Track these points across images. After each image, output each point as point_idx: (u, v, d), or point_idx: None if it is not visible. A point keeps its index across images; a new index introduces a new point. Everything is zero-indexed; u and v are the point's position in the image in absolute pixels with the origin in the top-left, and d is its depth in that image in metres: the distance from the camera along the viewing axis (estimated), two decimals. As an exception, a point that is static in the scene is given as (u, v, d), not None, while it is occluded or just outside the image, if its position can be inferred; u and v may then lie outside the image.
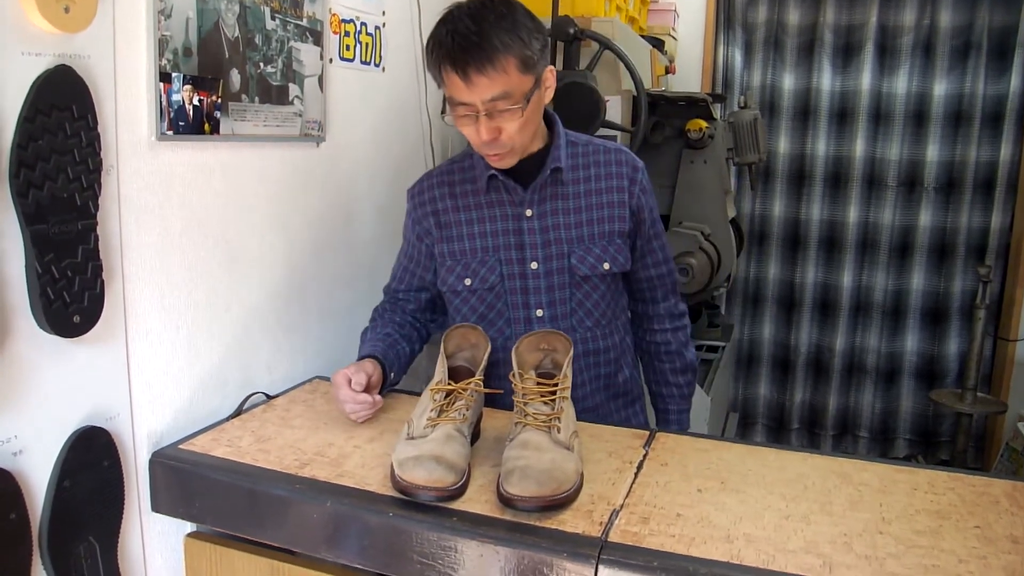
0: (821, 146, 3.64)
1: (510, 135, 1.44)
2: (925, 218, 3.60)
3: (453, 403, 1.28)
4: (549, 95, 1.51)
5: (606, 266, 1.59)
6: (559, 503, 1.14)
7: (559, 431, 1.22)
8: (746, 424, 3.96)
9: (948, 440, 3.73)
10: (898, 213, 3.64)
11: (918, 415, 3.78)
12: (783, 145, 3.68)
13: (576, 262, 1.58)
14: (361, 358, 1.54)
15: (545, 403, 1.26)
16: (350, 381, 1.43)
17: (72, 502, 1.20)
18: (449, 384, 1.30)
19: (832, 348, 3.78)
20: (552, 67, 1.48)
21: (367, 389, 1.45)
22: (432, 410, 1.26)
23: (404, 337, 1.65)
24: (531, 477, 1.12)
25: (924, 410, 3.76)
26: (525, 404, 1.26)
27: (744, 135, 2.74)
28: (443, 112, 1.47)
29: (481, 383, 1.33)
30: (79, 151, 1.15)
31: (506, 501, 1.14)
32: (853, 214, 3.65)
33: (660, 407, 1.80)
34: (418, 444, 1.20)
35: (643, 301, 1.75)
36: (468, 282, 1.61)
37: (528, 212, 1.58)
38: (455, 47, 1.35)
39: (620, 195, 1.60)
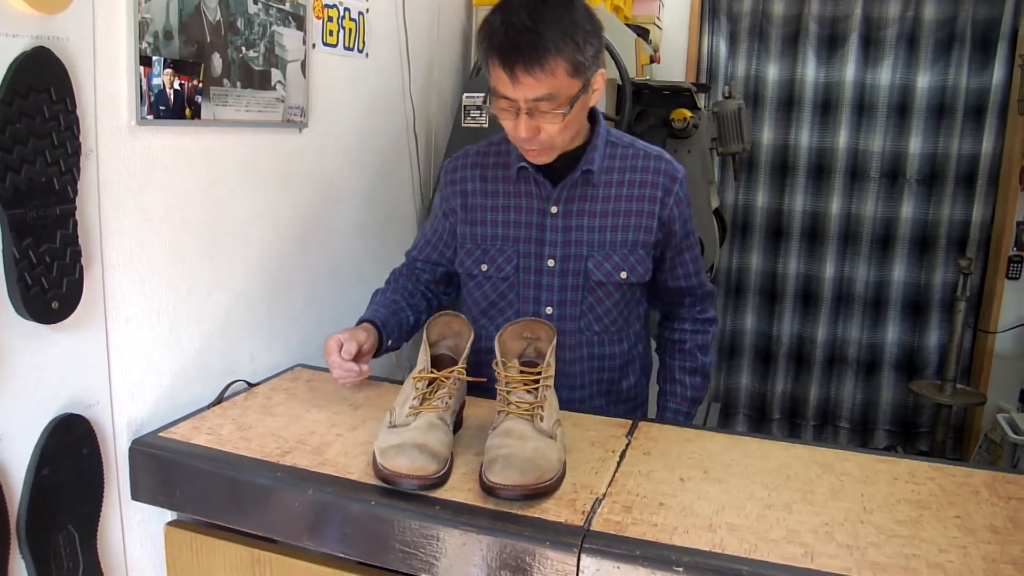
0: (804, 137, 3.64)
1: (550, 135, 1.43)
2: (907, 210, 3.62)
3: (436, 391, 1.27)
4: (596, 98, 1.48)
5: (623, 275, 1.58)
6: (542, 492, 1.14)
7: (542, 420, 1.22)
8: (727, 414, 3.98)
9: (927, 431, 3.76)
10: (880, 205, 3.65)
11: (898, 406, 3.80)
12: (767, 136, 3.68)
13: (592, 267, 1.57)
14: (360, 321, 1.54)
15: (528, 391, 1.26)
16: (341, 347, 1.42)
17: (51, 491, 1.19)
18: (432, 372, 1.29)
19: (814, 339, 3.80)
20: (603, 70, 1.44)
21: (358, 357, 1.44)
22: (414, 398, 1.25)
23: (411, 306, 1.65)
24: (514, 465, 1.12)
25: (904, 401, 3.78)
26: (508, 392, 1.25)
27: (728, 125, 2.74)
28: (485, 101, 1.45)
29: (464, 371, 1.33)
30: (57, 134, 1.14)
31: (488, 489, 1.13)
32: (836, 205, 3.66)
33: (660, 404, 1.76)
34: (400, 432, 1.20)
35: (670, 304, 1.75)
36: (484, 268, 1.61)
37: (553, 209, 1.56)
38: (506, 41, 1.32)
39: (651, 205, 1.56)
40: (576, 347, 1.62)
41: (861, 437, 3.83)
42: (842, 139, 3.59)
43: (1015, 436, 3.05)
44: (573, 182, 1.55)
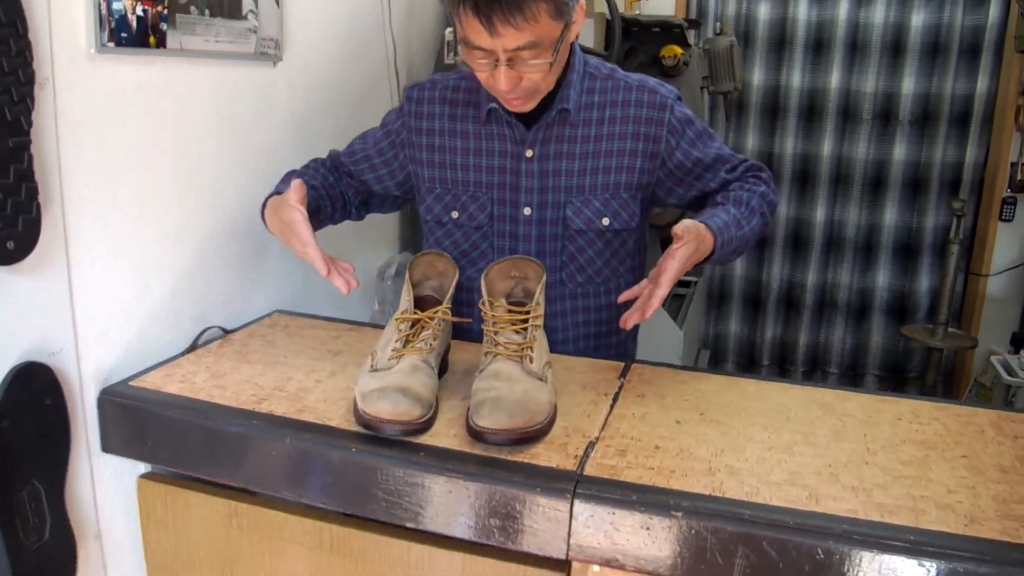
0: (796, 78, 3.57)
1: (533, 82, 1.32)
2: (899, 152, 3.56)
3: (419, 333, 1.21)
4: (576, 30, 1.35)
5: (605, 221, 1.47)
6: (532, 436, 1.09)
7: (531, 361, 1.16)
8: (717, 361, 3.95)
9: (917, 376, 3.75)
10: (872, 147, 3.59)
11: (888, 351, 3.78)
12: (757, 76, 3.60)
13: (572, 214, 1.47)
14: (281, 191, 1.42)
15: (517, 332, 1.20)
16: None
17: (12, 443, 1.12)
18: (415, 313, 1.23)
19: (804, 284, 3.76)
20: (583, 1, 1.32)
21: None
22: (397, 340, 1.19)
23: (330, 198, 1.54)
24: (502, 409, 1.07)
25: (894, 346, 3.76)
26: (496, 333, 1.19)
27: (720, 63, 2.66)
28: (455, 53, 1.34)
29: (449, 311, 1.26)
30: (8, 60, 1.05)
31: (476, 434, 1.08)
32: (827, 148, 3.60)
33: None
34: (382, 376, 1.13)
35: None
36: (455, 215, 1.52)
37: (528, 153, 1.46)
38: None
39: (635, 143, 1.45)
40: (557, 300, 1.53)
41: (851, 382, 3.82)
42: (834, 79, 3.52)
43: (1009, 378, 3.03)
44: (549, 123, 1.44)
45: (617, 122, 1.45)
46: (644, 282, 1.29)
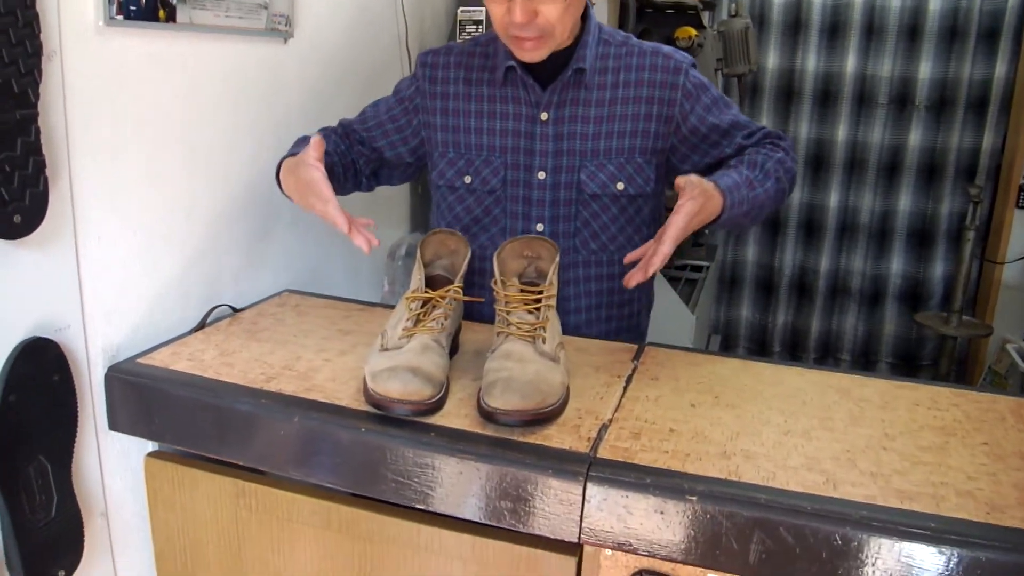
0: (811, 61, 3.52)
1: (549, 20, 1.30)
2: (915, 137, 3.52)
3: (430, 312, 1.19)
4: None
5: (619, 186, 1.46)
6: (544, 417, 1.06)
7: (544, 342, 1.14)
8: (727, 346, 3.92)
9: (929, 364, 3.72)
10: (888, 132, 3.55)
11: (901, 338, 3.75)
12: (771, 60, 3.56)
13: (586, 178, 1.45)
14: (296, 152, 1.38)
15: (529, 312, 1.18)
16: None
17: (19, 419, 1.11)
18: (426, 292, 1.21)
19: (816, 270, 3.73)
20: None
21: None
22: (408, 320, 1.17)
23: (341, 165, 1.51)
24: (514, 389, 1.04)
25: (907, 333, 3.73)
26: (508, 313, 1.17)
27: (734, 45, 2.63)
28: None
29: (460, 290, 1.24)
30: (15, 31, 1.03)
31: (487, 415, 1.06)
32: (842, 132, 3.56)
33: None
34: (392, 355, 1.12)
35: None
36: (468, 180, 1.50)
37: (544, 116, 1.45)
38: None
39: (650, 106, 1.44)
40: (571, 267, 1.51)
41: (863, 369, 3.79)
42: (850, 64, 3.48)
43: (1025, 366, 3.00)
44: (564, 84, 1.44)
45: (631, 86, 1.44)
46: (650, 242, 1.26)
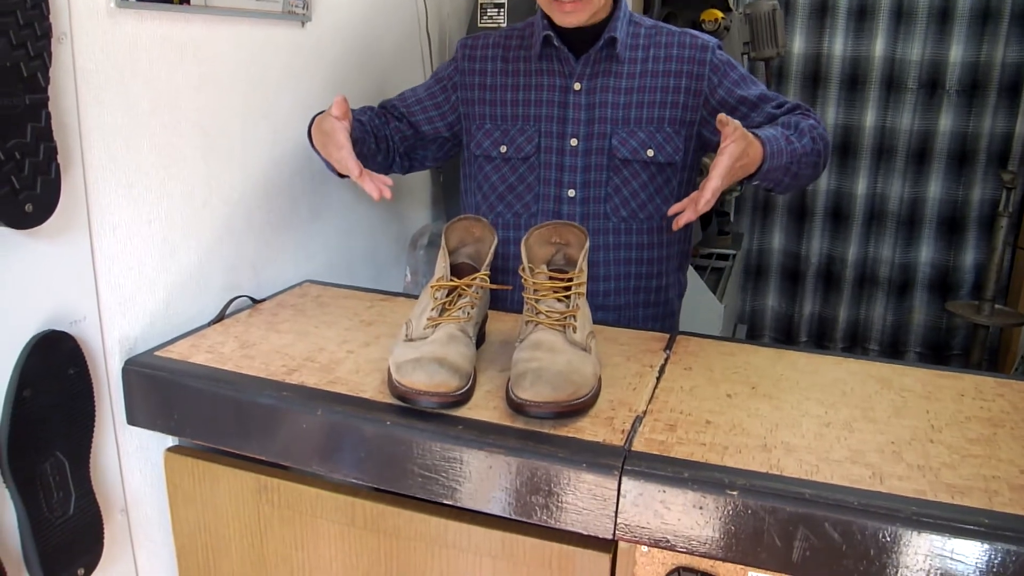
0: (839, 45, 3.46)
1: None
2: (945, 123, 3.45)
3: (456, 301, 1.15)
4: None
5: (650, 153, 1.51)
6: (576, 409, 1.03)
7: (575, 331, 1.10)
8: (753, 336, 3.87)
9: (959, 353, 3.65)
10: (917, 117, 3.48)
11: (930, 328, 3.68)
12: (798, 44, 3.50)
13: (617, 143, 1.51)
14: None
15: (559, 300, 1.13)
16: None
17: (34, 414, 1.08)
18: (452, 280, 1.17)
19: (844, 258, 3.67)
20: None
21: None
22: (433, 309, 1.13)
23: (374, 137, 1.54)
24: (545, 380, 1.00)
25: (937, 323, 3.66)
26: (537, 301, 1.13)
27: (762, 28, 2.57)
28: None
29: (487, 278, 1.20)
30: (23, 13, 0.99)
31: (517, 407, 1.02)
32: (870, 118, 3.49)
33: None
34: (418, 346, 1.08)
35: None
36: (503, 149, 1.56)
37: (576, 86, 1.52)
38: None
39: (678, 80, 1.51)
40: (601, 233, 1.54)
41: (891, 360, 3.72)
42: (878, 47, 3.41)
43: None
44: (597, 56, 1.51)
45: (660, 61, 1.52)
46: (695, 193, 1.25)
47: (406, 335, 1.12)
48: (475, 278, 1.18)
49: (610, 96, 1.51)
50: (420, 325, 1.12)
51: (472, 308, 1.15)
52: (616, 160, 1.52)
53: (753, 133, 1.30)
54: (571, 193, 1.53)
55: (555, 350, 1.06)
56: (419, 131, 1.63)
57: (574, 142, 1.52)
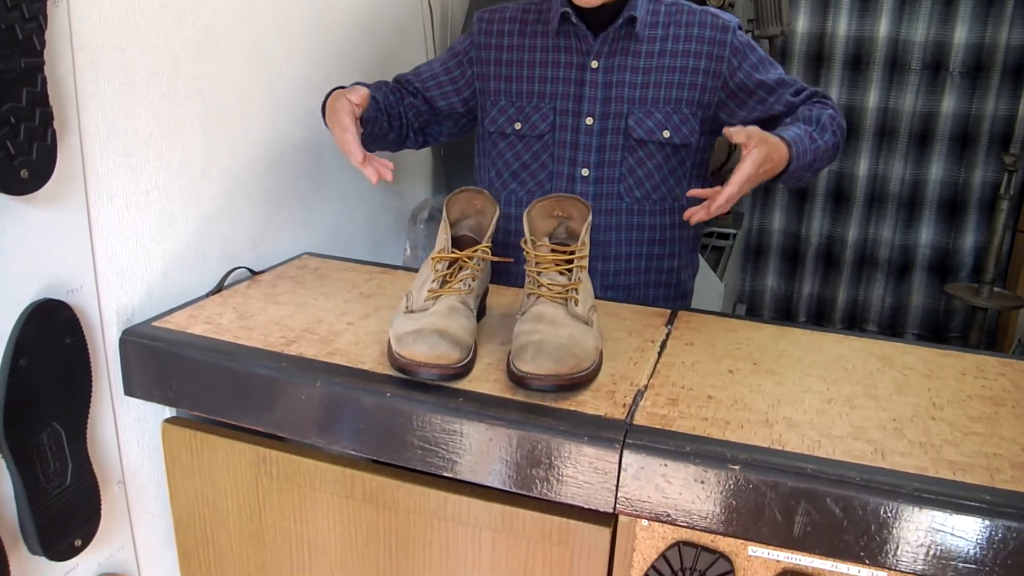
0: (843, 25, 3.43)
1: None
2: (948, 104, 3.42)
3: (457, 273, 1.14)
4: None
5: (666, 134, 1.49)
6: (577, 382, 1.02)
7: (576, 304, 1.09)
8: (752, 316, 3.85)
9: (958, 336, 3.64)
10: (920, 99, 3.45)
11: (929, 310, 3.68)
12: (802, 23, 3.47)
13: (633, 124, 1.48)
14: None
15: (561, 273, 1.12)
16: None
17: (30, 383, 1.07)
18: (453, 252, 1.16)
19: (844, 239, 3.66)
20: None
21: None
22: (434, 281, 1.12)
23: (387, 114, 1.53)
24: (547, 353, 1.00)
25: (935, 305, 3.65)
26: (539, 274, 1.12)
27: (766, 4, 2.55)
28: None
29: (489, 250, 1.19)
30: (17, -26, 0.98)
31: (518, 380, 1.01)
32: (873, 99, 3.47)
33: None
34: (418, 318, 1.07)
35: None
36: (518, 126, 1.54)
37: (594, 64, 1.49)
38: None
39: (698, 60, 1.48)
40: (614, 213, 1.53)
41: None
42: (883, 27, 3.38)
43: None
44: (616, 34, 1.48)
45: (680, 40, 1.48)
46: (716, 187, 1.25)
47: (406, 307, 1.11)
48: (476, 250, 1.17)
49: (627, 75, 1.48)
50: (421, 297, 1.11)
51: (473, 280, 1.15)
52: (631, 140, 1.49)
53: (778, 135, 1.29)
54: (585, 172, 1.51)
55: (557, 323, 1.05)
56: (434, 107, 1.61)
57: (589, 121, 1.50)
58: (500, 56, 1.56)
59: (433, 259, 1.16)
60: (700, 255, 2.44)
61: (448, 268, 1.15)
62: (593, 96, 1.49)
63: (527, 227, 1.17)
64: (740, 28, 1.50)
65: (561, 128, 1.52)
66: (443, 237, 1.18)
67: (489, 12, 1.59)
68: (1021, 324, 3.47)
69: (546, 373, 0.99)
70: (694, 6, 1.51)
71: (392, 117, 1.54)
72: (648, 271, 1.57)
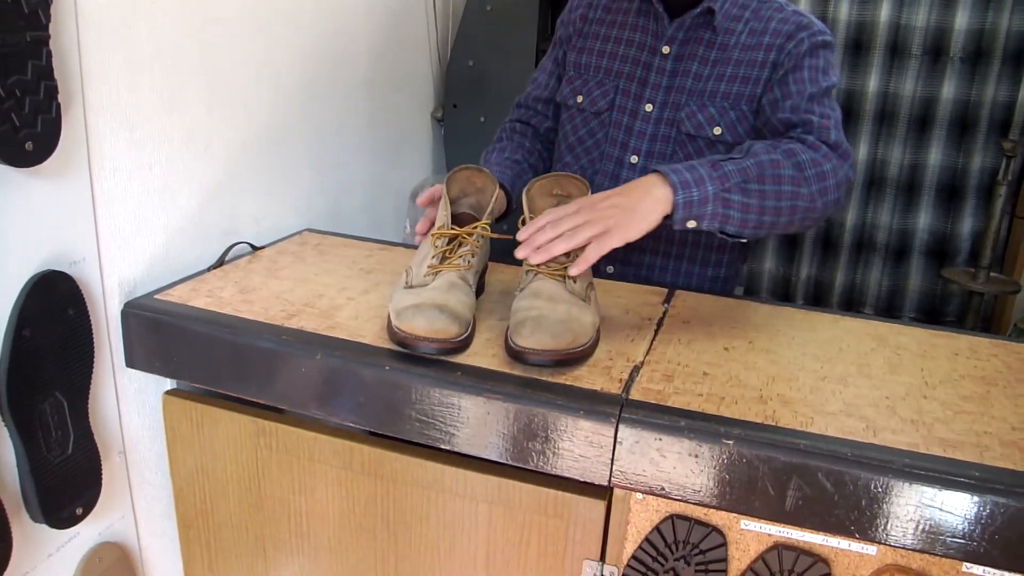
0: (843, 9, 3.42)
1: None
2: (948, 90, 3.41)
3: (456, 250, 1.15)
4: None
5: (717, 130, 1.40)
6: (575, 358, 1.03)
7: (575, 281, 1.10)
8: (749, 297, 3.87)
9: (953, 320, 3.65)
10: (920, 84, 3.45)
11: (925, 294, 3.68)
12: (803, 7, 3.45)
13: (685, 116, 1.42)
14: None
15: (560, 250, 1.13)
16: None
17: (33, 353, 1.08)
18: (453, 228, 1.17)
19: (842, 223, 3.65)
20: None
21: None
22: (434, 257, 1.13)
23: (532, 167, 1.54)
24: (545, 328, 1.01)
25: (932, 289, 3.66)
26: (537, 251, 1.13)
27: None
28: None
29: (488, 227, 1.20)
30: (23, -53, 0.99)
31: (516, 355, 1.02)
32: (872, 83, 3.46)
33: None
34: (418, 292, 1.08)
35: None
36: (579, 99, 1.52)
37: (665, 49, 1.44)
38: None
39: (767, 54, 1.37)
40: None
41: (886, 326, 3.73)
42: (884, 12, 3.37)
43: (1054, 324, 2.94)
44: (693, 22, 1.41)
45: (757, 34, 1.39)
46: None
47: (406, 282, 1.12)
48: (476, 227, 1.18)
49: (695, 65, 1.42)
50: (420, 272, 1.12)
51: (473, 257, 1.16)
52: (682, 134, 1.43)
53: (654, 168, 1.15)
54: (634, 160, 1.46)
55: (555, 299, 1.06)
56: (556, 102, 1.60)
57: (649, 108, 1.44)
58: (582, 28, 1.53)
59: (433, 235, 1.17)
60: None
61: (448, 244, 1.16)
62: (657, 83, 1.44)
63: (526, 206, 1.17)
64: (828, 46, 1.38)
65: (620, 109, 1.47)
66: (443, 214, 1.19)
67: None
68: (1017, 309, 3.48)
69: (543, 348, 1.00)
70: (784, 3, 1.42)
71: (535, 166, 1.56)
72: (689, 276, 1.52)
